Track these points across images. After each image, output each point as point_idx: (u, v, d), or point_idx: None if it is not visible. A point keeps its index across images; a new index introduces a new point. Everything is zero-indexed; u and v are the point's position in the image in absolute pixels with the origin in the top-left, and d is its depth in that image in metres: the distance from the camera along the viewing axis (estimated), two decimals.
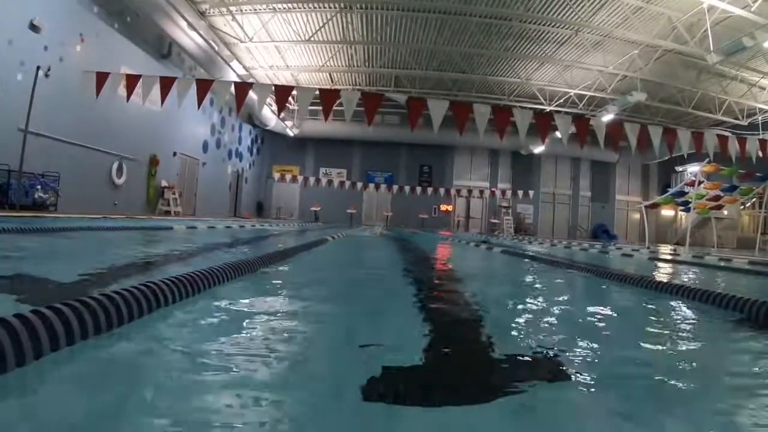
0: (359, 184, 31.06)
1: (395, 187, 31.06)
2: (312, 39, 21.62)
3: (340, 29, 21.39)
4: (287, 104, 11.30)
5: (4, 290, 2.46)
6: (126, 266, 3.93)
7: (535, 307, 3.21)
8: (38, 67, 11.80)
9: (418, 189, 30.61)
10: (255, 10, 19.67)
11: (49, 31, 12.45)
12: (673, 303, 3.57)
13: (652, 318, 3.06)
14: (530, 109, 20.10)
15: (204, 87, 10.36)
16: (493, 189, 33.06)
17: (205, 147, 23.70)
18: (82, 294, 1.80)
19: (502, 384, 1.49)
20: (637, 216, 34.56)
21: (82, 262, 3.76)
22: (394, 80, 27.45)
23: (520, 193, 30.84)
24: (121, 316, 1.78)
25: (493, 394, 1.38)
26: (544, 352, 1.92)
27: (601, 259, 10.03)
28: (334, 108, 10.62)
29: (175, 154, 20.41)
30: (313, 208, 32.09)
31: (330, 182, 30.84)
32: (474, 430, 1.17)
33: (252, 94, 10.69)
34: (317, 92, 10.21)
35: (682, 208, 21.59)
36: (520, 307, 3.19)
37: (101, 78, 10.44)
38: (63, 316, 1.51)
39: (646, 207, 22.08)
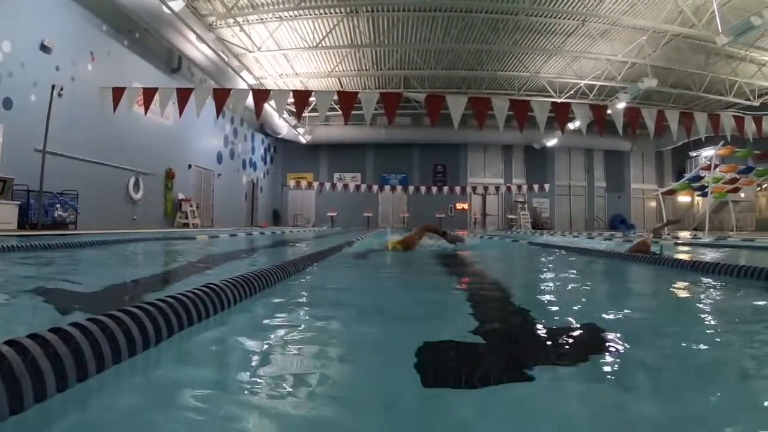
0: (374, 187, 30.82)
1: (410, 188, 30.78)
2: (320, 45, 21.76)
3: (347, 34, 21.50)
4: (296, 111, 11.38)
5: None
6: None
7: None
8: (53, 86, 11.99)
9: (434, 188, 30.33)
10: (261, 19, 19.86)
11: (59, 51, 12.69)
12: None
13: None
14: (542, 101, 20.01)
15: (221, 97, 10.42)
16: (508, 185, 32.73)
17: (219, 158, 23.89)
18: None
19: None
20: (653, 204, 34.31)
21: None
22: (403, 81, 27.47)
23: (536, 187, 30.53)
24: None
25: None
26: None
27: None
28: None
29: (190, 166, 20.60)
30: (329, 214, 32.18)
31: (345, 187, 30.78)
32: None
33: (267, 104, 10.72)
34: (335, 96, 10.22)
35: (698, 193, 21.40)
36: None
37: (117, 93, 10.50)
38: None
39: (662, 194, 21.94)
